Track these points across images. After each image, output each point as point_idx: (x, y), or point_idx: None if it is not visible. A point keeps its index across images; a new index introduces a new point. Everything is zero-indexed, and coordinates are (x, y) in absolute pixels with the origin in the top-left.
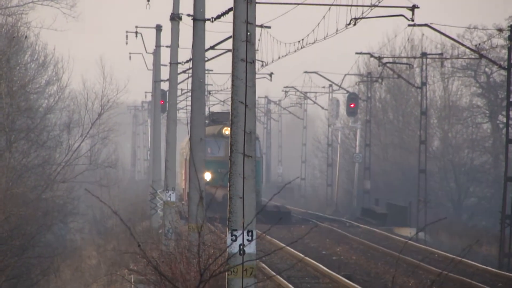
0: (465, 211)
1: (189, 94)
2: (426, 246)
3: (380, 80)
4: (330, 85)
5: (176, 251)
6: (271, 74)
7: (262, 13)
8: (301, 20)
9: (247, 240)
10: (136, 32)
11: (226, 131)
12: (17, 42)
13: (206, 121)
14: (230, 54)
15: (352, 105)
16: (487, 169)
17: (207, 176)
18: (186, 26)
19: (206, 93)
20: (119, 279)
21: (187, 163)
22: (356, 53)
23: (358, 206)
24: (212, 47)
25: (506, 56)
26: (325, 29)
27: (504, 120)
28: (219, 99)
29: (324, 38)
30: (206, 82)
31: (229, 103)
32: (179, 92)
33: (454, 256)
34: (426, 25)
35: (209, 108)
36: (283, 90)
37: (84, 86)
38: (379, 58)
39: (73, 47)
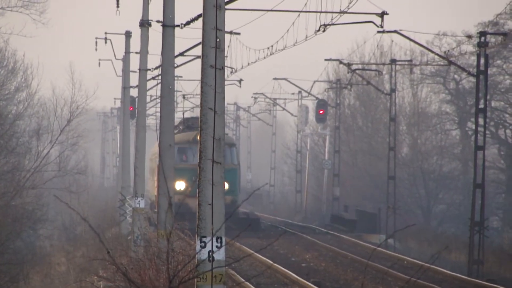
0: (434, 217)
1: (159, 100)
2: (395, 252)
3: (349, 86)
4: (300, 92)
5: (145, 258)
6: (240, 81)
7: (231, 20)
8: (270, 27)
9: (216, 246)
10: (106, 39)
11: None
12: None
13: (180, 127)
14: (199, 61)
15: (321, 112)
16: (456, 176)
17: (181, 185)
18: (156, 33)
19: (180, 98)
20: (88, 286)
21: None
22: (325, 59)
23: (328, 212)
24: (181, 54)
25: (475, 63)
26: (294, 36)
27: (473, 127)
28: (194, 103)
29: (294, 45)
30: (175, 89)
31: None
32: (148, 99)
33: (423, 263)
34: (395, 31)
35: (183, 113)
36: (252, 97)
37: (53, 93)
38: (348, 65)
39: (42, 54)
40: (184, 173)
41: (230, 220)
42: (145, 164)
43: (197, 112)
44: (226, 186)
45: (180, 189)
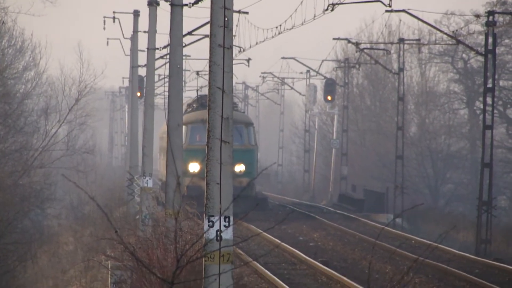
0: (442, 197)
1: (167, 79)
2: (403, 232)
3: (357, 65)
4: (308, 71)
5: (153, 237)
6: (248, 60)
7: None
8: (278, 6)
9: (224, 226)
10: (114, 18)
11: None
12: None
13: (194, 105)
14: (207, 40)
15: (329, 91)
16: (464, 155)
17: (195, 166)
18: (164, 12)
19: (189, 77)
20: (96, 265)
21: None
22: (334, 38)
23: (335, 192)
24: (189, 33)
25: (483, 42)
26: (302, 15)
27: (481, 106)
28: (207, 80)
29: (302, 24)
30: (184, 68)
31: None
32: (156, 78)
33: (430, 242)
34: (403, 10)
35: (197, 91)
36: (260, 76)
37: (61, 72)
38: (357, 44)
39: (50, 33)
40: (198, 154)
41: (245, 202)
42: (154, 143)
43: (205, 91)
44: (243, 167)
45: (194, 171)
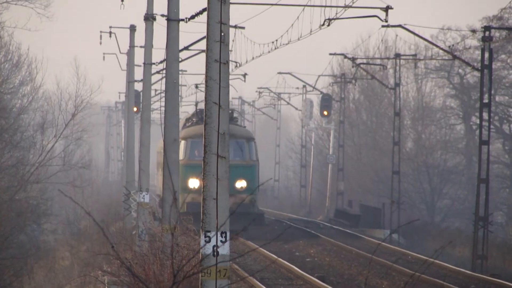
0: (439, 212)
1: (163, 94)
2: (400, 247)
3: (353, 81)
4: (304, 86)
5: (149, 253)
6: (245, 75)
7: (236, 14)
8: (275, 21)
9: (221, 241)
10: (110, 32)
11: None
12: None
13: (193, 119)
14: (204, 55)
15: (325, 106)
16: (460, 171)
17: (195, 182)
18: (160, 27)
19: (185, 92)
20: (92, 281)
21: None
22: (330, 54)
23: (332, 207)
24: (186, 48)
25: (479, 57)
26: (299, 30)
27: (478, 121)
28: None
29: (298, 39)
30: (180, 83)
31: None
32: (153, 93)
33: (427, 258)
34: (399, 26)
35: (196, 105)
36: (257, 91)
37: (58, 87)
38: (353, 59)
39: (47, 47)
40: (198, 169)
41: (247, 219)
42: (152, 158)
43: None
44: (244, 184)
45: (194, 187)
